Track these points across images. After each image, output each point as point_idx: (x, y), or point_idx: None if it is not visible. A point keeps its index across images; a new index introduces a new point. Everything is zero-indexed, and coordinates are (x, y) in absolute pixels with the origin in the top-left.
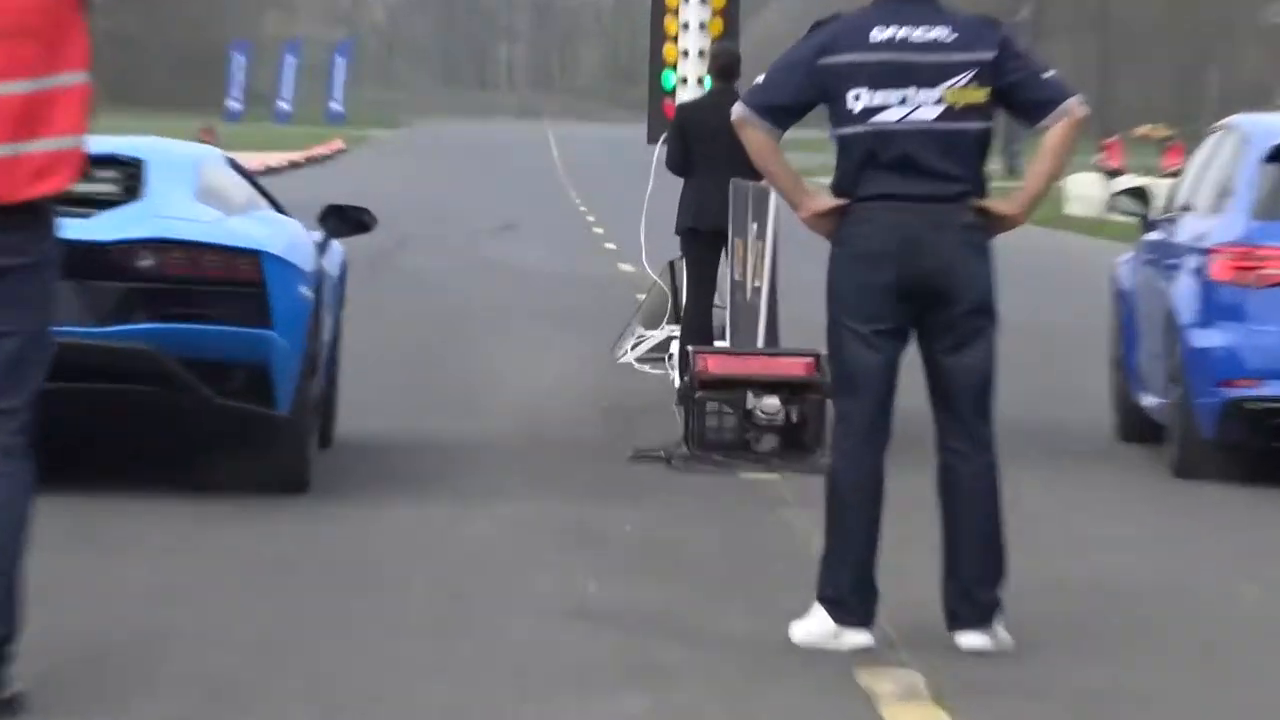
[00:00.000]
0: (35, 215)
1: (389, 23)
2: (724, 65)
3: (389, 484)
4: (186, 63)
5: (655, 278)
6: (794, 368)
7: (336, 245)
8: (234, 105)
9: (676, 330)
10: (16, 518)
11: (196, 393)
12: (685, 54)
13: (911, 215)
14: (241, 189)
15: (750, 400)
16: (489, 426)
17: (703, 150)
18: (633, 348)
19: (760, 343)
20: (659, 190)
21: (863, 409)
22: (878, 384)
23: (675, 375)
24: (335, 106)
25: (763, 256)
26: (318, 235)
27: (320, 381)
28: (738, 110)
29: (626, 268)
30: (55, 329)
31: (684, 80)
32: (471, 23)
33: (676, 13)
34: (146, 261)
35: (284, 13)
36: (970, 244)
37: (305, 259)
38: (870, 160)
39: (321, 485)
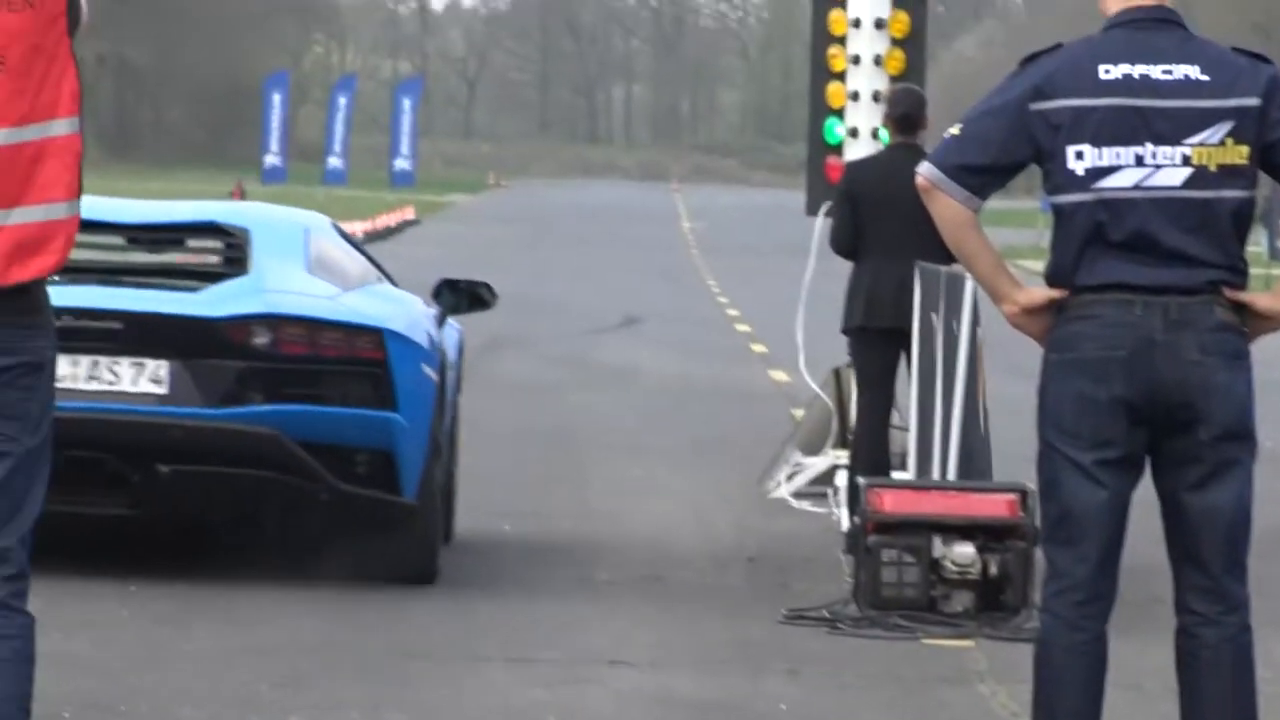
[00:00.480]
0: (23, 304)
1: (468, 54)
2: (905, 113)
3: (479, 639)
4: (208, 103)
5: (816, 389)
6: (993, 507)
7: (453, 324)
8: (273, 161)
9: (844, 457)
10: (16, 693)
11: (319, 478)
12: (855, 97)
13: (1148, 311)
14: (354, 260)
15: (938, 548)
16: (606, 575)
17: (877, 225)
18: (788, 479)
19: (951, 474)
20: (821, 276)
21: (1081, 560)
22: (1101, 528)
23: (842, 515)
24: (402, 165)
25: (955, 362)
26: (434, 311)
27: (444, 468)
28: (924, 172)
29: (779, 376)
30: (170, 410)
31: (853, 132)
32: (577, 56)
33: (844, 43)
34: (261, 339)
35: (330, 38)
36: (1223, 350)
37: (427, 337)
38: (1096, 238)
39: (410, 629)
